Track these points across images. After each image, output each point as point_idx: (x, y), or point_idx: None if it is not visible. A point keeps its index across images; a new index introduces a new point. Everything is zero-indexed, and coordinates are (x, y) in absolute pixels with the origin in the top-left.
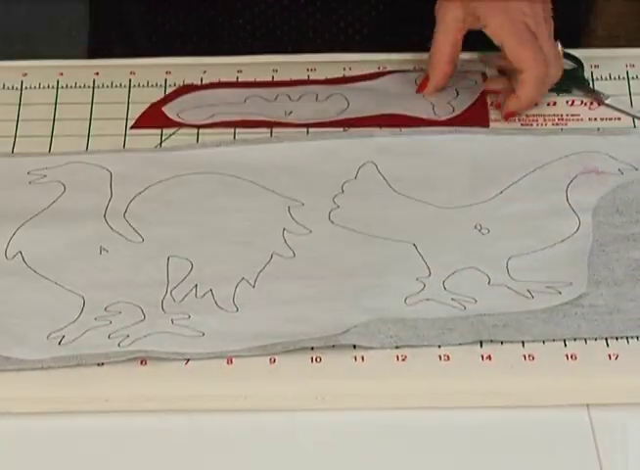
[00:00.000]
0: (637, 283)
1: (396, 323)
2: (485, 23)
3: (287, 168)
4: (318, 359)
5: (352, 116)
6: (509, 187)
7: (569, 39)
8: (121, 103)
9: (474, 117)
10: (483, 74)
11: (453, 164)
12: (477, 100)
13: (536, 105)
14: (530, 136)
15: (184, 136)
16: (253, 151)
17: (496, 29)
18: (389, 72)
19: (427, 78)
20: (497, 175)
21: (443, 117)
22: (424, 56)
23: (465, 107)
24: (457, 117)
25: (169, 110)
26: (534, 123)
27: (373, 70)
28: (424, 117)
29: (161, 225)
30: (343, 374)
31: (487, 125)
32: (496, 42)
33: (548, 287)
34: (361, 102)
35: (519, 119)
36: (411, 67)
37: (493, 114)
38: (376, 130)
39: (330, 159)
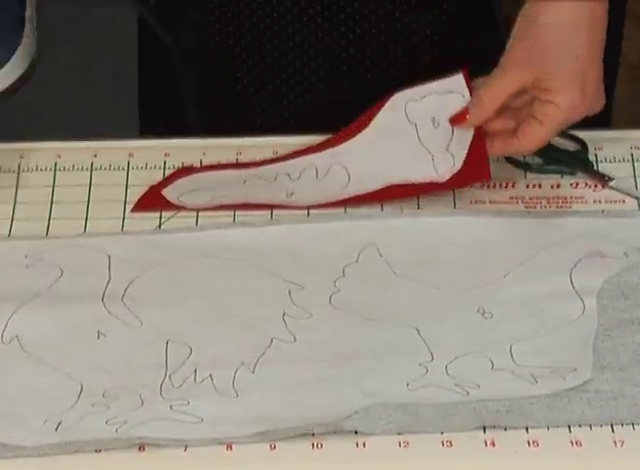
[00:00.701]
0: None
1: (397, 409)
2: (553, 101)
3: (287, 251)
4: (319, 445)
5: (354, 190)
6: (512, 270)
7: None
8: (120, 185)
9: (474, 170)
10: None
11: (455, 247)
12: (474, 144)
13: (540, 186)
14: (534, 218)
15: (183, 219)
16: (253, 234)
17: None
18: (380, 106)
19: (466, 112)
20: (500, 258)
21: (446, 176)
22: None
23: (463, 153)
24: (458, 173)
25: (169, 193)
26: (538, 206)
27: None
28: (426, 180)
29: (160, 309)
30: (345, 460)
31: (488, 178)
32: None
33: (552, 372)
34: (361, 171)
35: (522, 201)
36: None
37: (495, 195)
38: (377, 212)
39: (331, 242)
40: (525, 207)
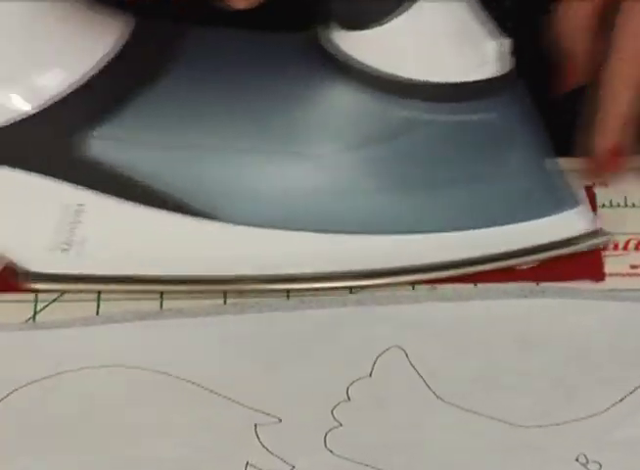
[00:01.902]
0: None
1: None
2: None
3: (251, 360)
4: None
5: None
6: (634, 391)
7: None
8: None
9: (575, 265)
10: (588, 189)
11: (535, 351)
12: None
13: None
14: None
15: (75, 303)
16: (195, 328)
17: None
18: None
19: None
20: (613, 371)
21: (526, 265)
22: None
23: None
24: (548, 265)
25: None
26: None
27: None
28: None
29: (36, 460)
30: None
31: (600, 278)
32: None
33: None
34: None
35: None
36: None
37: (606, 262)
38: (404, 293)
39: (327, 342)
40: None
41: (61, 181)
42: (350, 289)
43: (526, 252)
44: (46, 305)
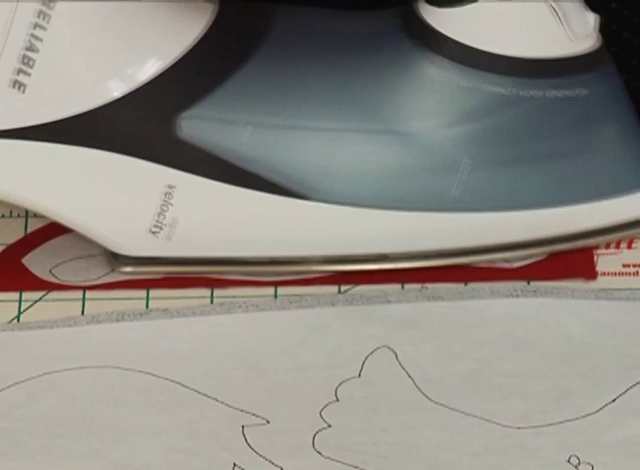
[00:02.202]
0: None
1: None
2: None
3: (238, 360)
4: None
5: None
6: (626, 392)
7: None
8: None
9: (567, 263)
10: None
11: (527, 350)
12: None
13: None
14: None
15: (59, 303)
16: (181, 329)
17: None
18: None
19: None
20: (606, 371)
21: (517, 264)
22: None
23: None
24: (540, 263)
25: (33, 261)
26: None
27: None
28: (483, 264)
29: (24, 461)
30: None
31: (592, 277)
32: None
33: None
34: None
35: None
36: None
37: (599, 261)
38: (394, 290)
39: (315, 342)
40: None
41: (152, 163)
42: (339, 288)
43: (612, 229)
44: (30, 306)
